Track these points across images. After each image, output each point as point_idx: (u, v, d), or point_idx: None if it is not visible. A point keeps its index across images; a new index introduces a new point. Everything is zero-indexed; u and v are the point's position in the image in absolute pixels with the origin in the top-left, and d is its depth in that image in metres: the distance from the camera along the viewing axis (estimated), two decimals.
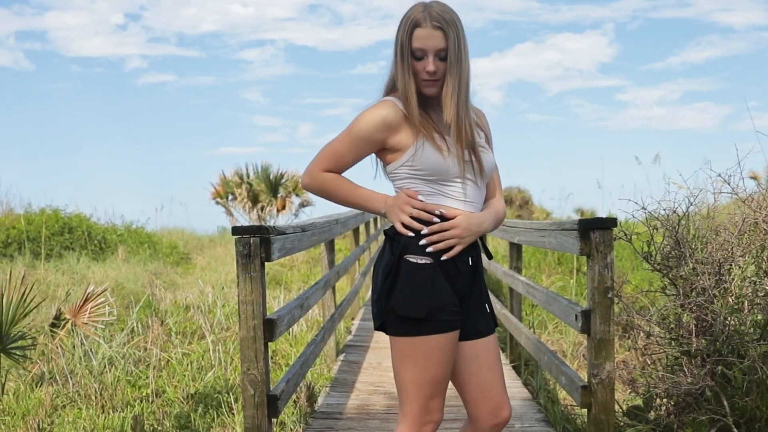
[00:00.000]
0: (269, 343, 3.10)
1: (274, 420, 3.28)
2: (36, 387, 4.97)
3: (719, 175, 3.25)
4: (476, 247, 2.22)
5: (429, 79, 2.07)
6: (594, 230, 3.05)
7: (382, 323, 2.15)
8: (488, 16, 31.01)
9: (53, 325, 5.63)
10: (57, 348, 5.50)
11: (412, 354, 2.10)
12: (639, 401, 3.96)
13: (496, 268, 6.33)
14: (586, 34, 31.37)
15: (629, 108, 30.80)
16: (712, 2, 30.11)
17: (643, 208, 3.29)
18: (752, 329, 3.18)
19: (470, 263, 2.18)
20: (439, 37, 2.03)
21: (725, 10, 30.75)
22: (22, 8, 29.63)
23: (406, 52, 2.06)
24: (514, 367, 5.62)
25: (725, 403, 3.03)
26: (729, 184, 3.20)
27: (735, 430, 2.99)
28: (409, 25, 2.05)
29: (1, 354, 4.98)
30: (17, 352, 5.13)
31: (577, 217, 16.26)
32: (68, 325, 5.45)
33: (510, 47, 32.47)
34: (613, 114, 31.00)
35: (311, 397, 4.43)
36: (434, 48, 2.04)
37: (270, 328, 3.04)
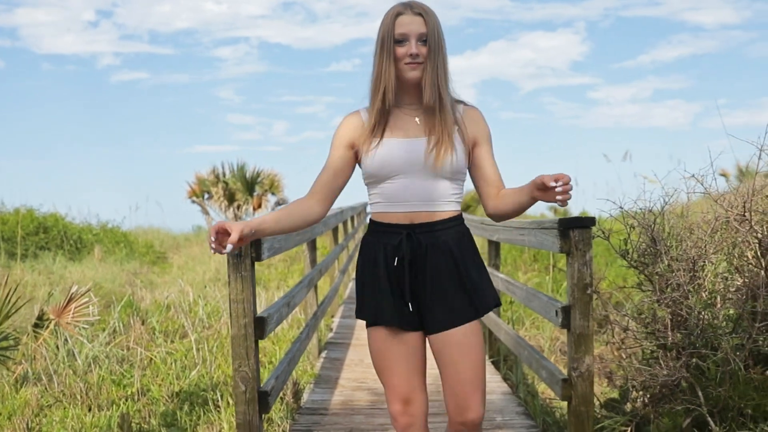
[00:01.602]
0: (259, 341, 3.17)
1: (263, 416, 3.35)
2: (20, 387, 4.98)
3: (693, 176, 3.37)
4: (401, 248, 2.19)
5: (412, 62, 2.18)
6: (573, 229, 3.16)
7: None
8: (462, 14, 31.21)
9: (36, 325, 5.63)
10: (40, 348, 5.51)
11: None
12: (615, 394, 4.10)
13: None
14: (558, 33, 31.71)
15: (601, 106, 31.21)
16: (682, 1, 30.61)
17: (620, 207, 3.41)
18: (724, 323, 3.31)
19: (396, 263, 2.19)
20: (420, 22, 2.18)
21: (695, 9, 31.27)
22: None
23: (389, 40, 2.18)
24: (493, 362, 5.74)
25: (700, 393, 3.16)
26: (702, 184, 3.32)
27: (709, 418, 3.12)
28: (391, 16, 2.20)
29: None
30: (0, 354, 5.12)
31: (551, 214, 16.46)
32: (51, 326, 5.46)
33: (484, 45, 32.73)
34: (586, 112, 31.39)
35: (297, 394, 4.50)
36: (416, 32, 2.18)
37: (260, 326, 3.11)
